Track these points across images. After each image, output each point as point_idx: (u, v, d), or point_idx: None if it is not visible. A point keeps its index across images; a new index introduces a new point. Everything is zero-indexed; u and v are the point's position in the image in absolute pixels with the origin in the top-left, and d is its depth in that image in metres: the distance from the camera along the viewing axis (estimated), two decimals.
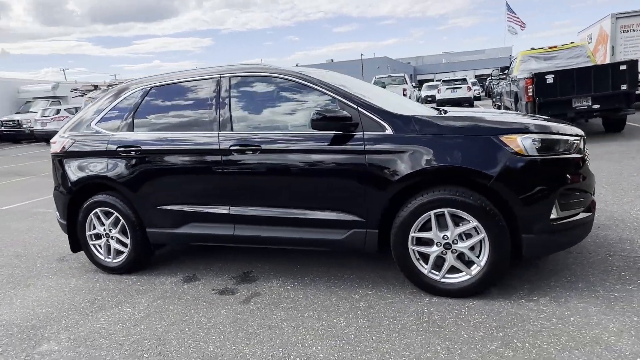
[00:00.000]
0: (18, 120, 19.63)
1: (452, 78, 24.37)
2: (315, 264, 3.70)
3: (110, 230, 3.85)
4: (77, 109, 16.12)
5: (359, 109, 3.05)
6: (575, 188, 2.85)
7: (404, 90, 17.75)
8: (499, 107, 13.95)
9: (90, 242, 3.94)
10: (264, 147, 3.21)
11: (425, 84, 33.41)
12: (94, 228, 3.90)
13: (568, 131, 2.92)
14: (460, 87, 22.54)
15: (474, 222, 2.77)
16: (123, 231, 3.80)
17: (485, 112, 3.75)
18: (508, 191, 2.70)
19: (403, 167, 2.87)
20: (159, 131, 3.65)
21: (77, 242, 4.01)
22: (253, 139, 3.26)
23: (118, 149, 3.68)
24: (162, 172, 3.57)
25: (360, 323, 2.71)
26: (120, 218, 3.77)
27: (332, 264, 3.67)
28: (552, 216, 2.74)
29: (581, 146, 2.94)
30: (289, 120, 3.28)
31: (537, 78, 8.51)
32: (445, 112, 3.52)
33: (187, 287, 3.48)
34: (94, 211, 3.86)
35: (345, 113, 2.96)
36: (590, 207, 2.96)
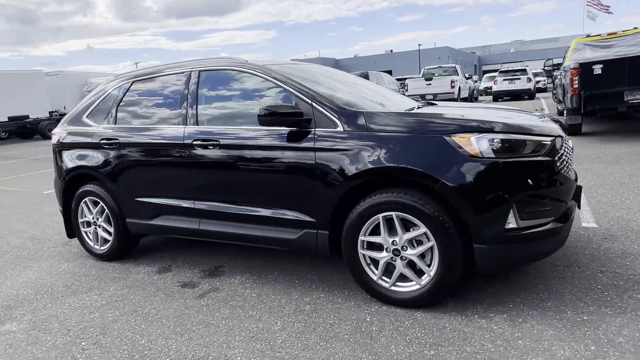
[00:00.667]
0: None
1: (511, 68, 22.77)
2: (286, 262, 3.63)
3: (97, 219, 4.03)
4: None
5: (313, 104, 2.91)
6: (541, 195, 2.54)
7: (452, 82, 16.94)
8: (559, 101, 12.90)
9: (82, 229, 4.15)
10: (222, 142, 3.18)
11: (486, 75, 31.78)
12: (85, 216, 4.10)
13: (538, 131, 2.60)
14: (519, 78, 21.06)
15: (423, 229, 2.56)
16: (108, 220, 3.95)
17: (463, 107, 3.46)
18: (457, 196, 2.45)
19: (350, 166, 2.71)
20: (135, 124, 3.74)
21: (72, 229, 4.25)
22: (214, 134, 3.24)
23: (101, 141, 3.82)
24: (137, 165, 3.66)
25: (295, 327, 2.61)
26: (105, 208, 3.93)
27: (301, 262, 3.58)
28: (510, 225, 2.46)
29: (555, 147, 2.60)
30: (250, 116, 3.21)
31: (583, 68, 7.74)
32: (419, 107, 3.29)
33: (156, 278, 3.56)
34: (83, 200, 4.05)
35: (295, 109, 2.84)
36: (564, 217, 2.62)
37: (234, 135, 3.16)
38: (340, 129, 2.79)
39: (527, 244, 2.51)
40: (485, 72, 55.53)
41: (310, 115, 2.88)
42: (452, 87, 16.77)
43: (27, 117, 20.17)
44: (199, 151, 3.28)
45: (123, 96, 3.91)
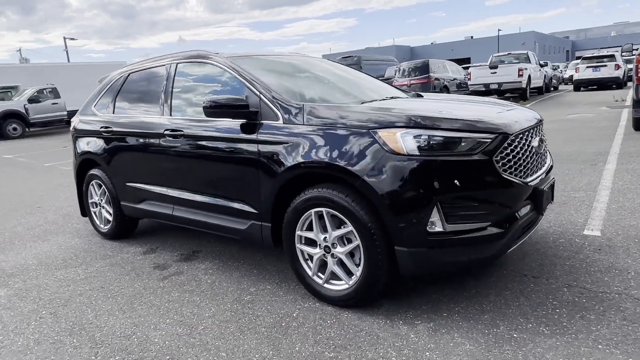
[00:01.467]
0: None
1: (597, 54, 20.42)
2: (258, 252, 3.69)
3: (101, 201, 4.40)
4: None
5: (260, 96, 2.91)
6: (474, 198, 2.32)
7: (520, 70, 15.66)
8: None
9: (91, 209, 4.55)
10: (185, 132, 3.30)
11: (572, 62, 28.99)
12: (92, 197, 4.49)
13: (481, 127, 2.36)
14: (605, 65, 18.87)
15: (350, 227, 2.47)
16: (109, 202, 4.29)
17: (432, 100, 3.23)
18: (376, 195, 2.32)
19: (286, 159, 2.68)
20: (126, 114, 3.99)
21: (84, 209, 4.67)
22: (179, 125, 3.37)
23: (100, 129, 4.14)
24: (126, 152, 3.92)
25: (223, 316, 2.67)
26: (106, 190, 4.27)
27: (272, 254, 3.62)
28: (436, 229, 2.28)
29: (500, 146, 2.35)
30: None
31: None
32: (386, 98, 3.15)
33: (139, 258, 3.81)
34: (91, 183, 4.43)
35: (238, 101, 2.86)
36: (506, 223, 2.37)
37: (195, 126, 3.26)
38: (280, 121, 2.77)
39: (456, 250, 2.32)
40: (578, 58, 50.71)
41: (258, 108, 2.89)
42: (520, 75, 15.48)
43: None
44: (169, 141, 3.43)
45: (120, 87, 4.19)
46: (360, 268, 2.48)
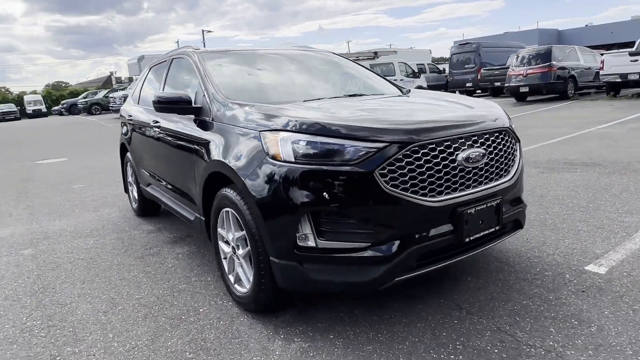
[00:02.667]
0: None
1: None
2: None
3: (132, 181, 4.95)
4: None
5: (204, 93, 2.96)
6: (351, 213, 2.05)
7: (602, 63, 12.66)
8: None
9: (128, 188, 5.16)
10: (161, 125, 3.51)
11: None
12: (128, 178, 5.07)
13: (362, 135, 2.07)
14: None
15: (244, 230, 2.41)
16: (136, 183, 4.81)
17: (395, 101, 2.89)
18: (254, 200, 2.21)
19: (204, 156, 2.72)
20: (142, 104, 4.39)
21: (126, 186, 5.30)
22: (159, 117, 3.59)
23: (127, 117, 4.64)
24: (138, 140, 4.33)
25: (146, 301, 2.84)
26: (133, 172, 4.79)
27: None
28: (309, 244, 2.09)
29: (383, 156, 2.03)
30: None
31: None
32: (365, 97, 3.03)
33: (142, 236, 4.20)
34: (126, 164, 5.01)
35: (181, 97, 2.93)
36: (394, 246, 2.05)
37: (167, 119, 3.45)
38: (210, 118, 2.79)
39: (330, 269, 2.10)
40: None
41: (200, 104, 2.94)
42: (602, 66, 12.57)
43: None
44: (155, 132, 3.70)
45: (144, 80, 4.61)
46: (252, 274, 2.41)
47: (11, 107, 41.72)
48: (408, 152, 2.07)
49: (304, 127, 2.15)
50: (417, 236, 2.11)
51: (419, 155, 2.09)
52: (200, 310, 2.67)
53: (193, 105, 2.94)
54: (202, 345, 2.29)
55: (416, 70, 18.70)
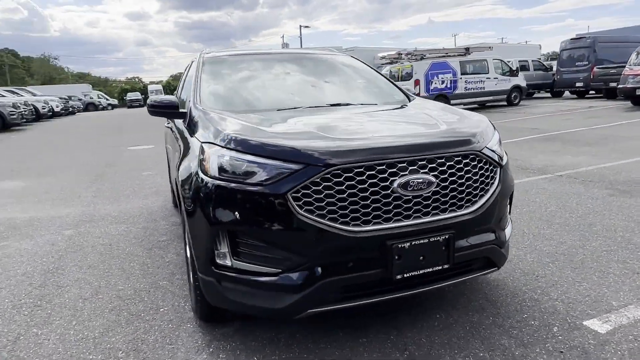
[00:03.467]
0: None
1: None
2: None
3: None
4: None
5: (189, 99, 3.03)
6: (264, 236, 1.94)
7: None
8: None
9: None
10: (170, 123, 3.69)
11: None
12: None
13: (282, 154, 1.94)
14: None
15: None
16: None
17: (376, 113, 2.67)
18: (185, 213, 2.21)
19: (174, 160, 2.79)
20: None
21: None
22: None
23: None
24: (168, 133, 4.59)
25: (123, 293, 3.01)
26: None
27: None
28: (227, 262, 2.04)
29: (299, 178, 1.87)
30: None
31: None
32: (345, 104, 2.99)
33: (165, 228, 4.47)
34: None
35: (167, 102, 3.02)
36: (307, 275, 1.89)
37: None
38: (185, 124, 2.85)
39: (243, 291, 2.02)
40: None
41: (186, 109, 3.02)
42: None
43: None
44: (173, 128, 3.88)
45: (184, 79, 4.86)
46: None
47: (137, 95, 47.45)
48: (328, 176, 1.90)
49: (231, 142, 2.08)
50: (334, 267, 1.93)
51: (341, 179, 1.90)
52: (161, 310, 2.76)
53: (179, 110, 3.03)
54: (138, 346, 2.37)
55: (514, 68, 17.11)
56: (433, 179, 2.01)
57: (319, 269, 1.92)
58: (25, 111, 17.38)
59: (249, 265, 1.99)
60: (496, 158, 2.27)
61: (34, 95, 24.87)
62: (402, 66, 16.12)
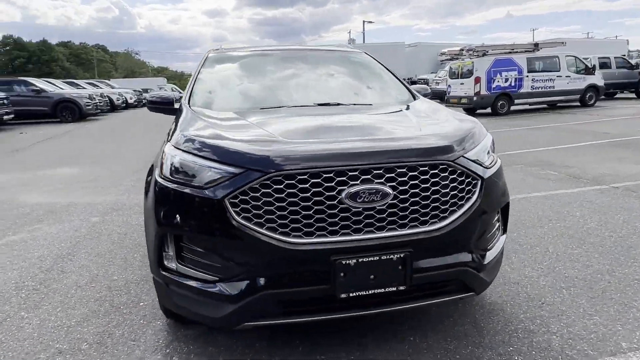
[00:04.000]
0: (426, 80, 23.27)
1: None
2: None
3: None
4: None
5: (182, 95, 3.03)
6: (204, 242, 1.87)
7: None
8: None
9: None
10: None
11: None
12: None
13: (225, 157, 1.84)
14: None
15: None
16: None
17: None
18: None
19: None
20: None
21: None
22: None
23: None
24: None
25: (111, 295, 3.09)
26: None
27: None
28: (172, 264, 1.99)
29: (238, 183, 1.76)
30: None
31: None
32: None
33: None
34: None
35: (164, 99, 3.06)
36: (245, 286, 1.79)
37: None
38: None
39: (186, 296, 1.95)
40: None
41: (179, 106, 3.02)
42: None
43: None
44: None
45: None
46: None
47: None
48: (267, 182, 1.77)
49: (182, 142, 2.03)
50: (274, 280, 1.81)
51: (282, 187, 1.77)
52: (141, 304, 2.79)
53: (174, 106, 3.04)
54: (103, 339, 2.40)
55: (590, 66, 15.58)
56: (389, 191, 1.81)
57: (258, 281, 1.81)
58: (100, 102, 18.84)
59: (191, 270, 1.93)
60: (476, 169, 2.00)
61: (112, 87, 26.90)
62: (462, 63, 15.33)
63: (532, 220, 4.15)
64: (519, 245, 3.53)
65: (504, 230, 2.35)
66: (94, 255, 3.67)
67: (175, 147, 2.05)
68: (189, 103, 2.83)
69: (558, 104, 16.20)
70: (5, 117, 14.56)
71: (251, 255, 1.80)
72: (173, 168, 1.99)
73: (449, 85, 15.96)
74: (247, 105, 2.85)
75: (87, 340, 2.40)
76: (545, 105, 16.00)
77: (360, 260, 1.78)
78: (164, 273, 2.01)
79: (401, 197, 1.83)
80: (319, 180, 1.77)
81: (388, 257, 1.81)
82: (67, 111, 17.07)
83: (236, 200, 1.79)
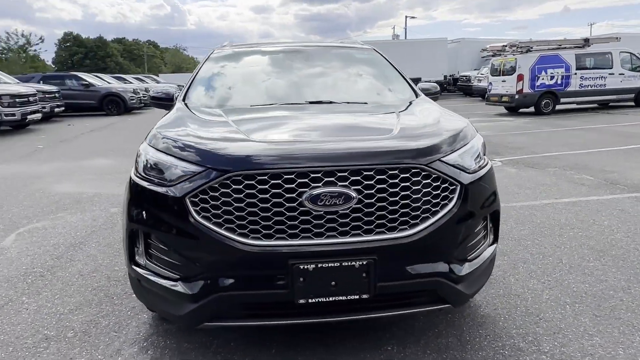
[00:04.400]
0: (469, 76, 22.44)
1: None
2: None
3: None
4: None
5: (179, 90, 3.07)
6: (166, 240, 1.87)
7: None
8: None
9: None
10: None
11: None
12: None
13: (188, 156, 1.85)
14: None
15: None
16: None
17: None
18: None
19: None
20: None
21: None
22: None
23: None
24: None
25: (109, 286, 3.18)
26: None
27: None
28: (141, 261, 2.02)
29: (198, 181, 1.74)
30: None
31: None
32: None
33: None
34: None
35: (163, 94, 3.10)
36: (202, 286, 1.77)
37: None
38: None
39: (153, 292, 1.97)
40: None
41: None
42: None
43: (419, 79, 23.48)
44: None
45: None
46: None
47: None
48: (227, 182, 1.74)
49: (154, 140, 2.05)
50: (233, 281, 1.77)
51: (241, 187, 1.73)
52: (132, 295, 2.82)
53: (173, 102, 3.08)
54: (89, 329, 2.46)
55: None
56: (353, 194, 1.73)
57: (216, 281, 1.78)
58: (144, 97, 19.56)
59: (157, 267, 1.94)
60: (454, 174, 1.87)
61: (157, 82, 27.89)
62: (504, 59, 14.68)
63: (551, 228, 3.89)
64: (530, 255, 3.32)
65: (495, 239, 2.20)
66: (104, 245, 3.79)
67: (148, 144, 2.07)
68: (183, 100, 2.86)
69: (610, 104, 15.19)
70: (57, 109, 15.43)
71: (210, 256, 1.78)
72: (144, 165, 2.01)
73: (490, 83, 15.34)
74: (239, 102, 2.83)
75: (73, 329, 2.48)
76: (595, 105, 15.05)
77: (319, 265, 1.71)
78: (135, 268, 2.03)
79: (367, 201, 1.75)
80: (279, 181, 1.72)
81: (350, 263, 1.73)
82: (113, 105, 17.87)
83: (196, 199, 1.77)
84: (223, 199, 1.74)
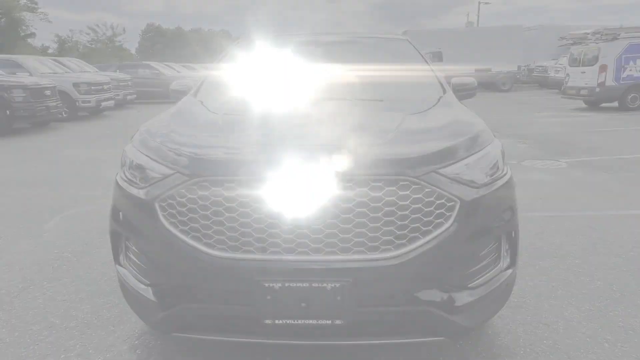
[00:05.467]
0: (545, 67, 20.64)
1: None
2: None
3: None
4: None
5: None
6: (139, 245, 1.81)
7: None
8: None
9: None
10: None
11: None
12: None
13: (164, 158, 1.73)
14: None
15: None
16: None
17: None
18: None
19: None
20: None
21: None
22: None
23: None
24: None
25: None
26: None
27: None
28: (123, 262, 1.97)
29: (167, 185, 1.64)
30: None
31: None
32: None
33: None
34: None
35: (182, 87, 3.06)
36: (170, 294, 1.67)
37: None
38: None
39: (134, 295, 1.90)
40: None
41: None
42: None
43: (489, 70, 21.96)
44: None
45: None
46: None
47: None
48: (194, 187, 1.61)
49: (137, 141, 1.98)
50: (199, 293, 1.66)
51: (208, 194, 1.60)
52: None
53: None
54: (90, 320, 2.50)
55: None
56: (330, 208, 1.53)
57: (182, 292, 1.69)
58: None
59: (133, 270, 1.89)
60: (453, 189, 1.60)
61: None
62: (586, 48, 13.29)
63: (609, 244, 3.39)
64: (575, 277, 2.89)
65: (512, 263, 1.88)
66: None
67: (132, 145, 2.01)
68: (195, 96, 2.79)
69: None
70: (129, 97, 16.43)
71: (176, 265, 1.68)
72: (126, 166, 1.95)
73: (567, 74, 13.99)
74: (245, 100, 2.69)
75: (77, 318, 2.53)
76: None
77: (287, 285, 1.55)
78: (118, 268, 2.00)
79: (344, 216, 1.54)
80: (248, 191, 1.57)
81: (321, 285, 1.54)
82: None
83: (164, 204, 1.67)
84: (189, 205, 1.63)
